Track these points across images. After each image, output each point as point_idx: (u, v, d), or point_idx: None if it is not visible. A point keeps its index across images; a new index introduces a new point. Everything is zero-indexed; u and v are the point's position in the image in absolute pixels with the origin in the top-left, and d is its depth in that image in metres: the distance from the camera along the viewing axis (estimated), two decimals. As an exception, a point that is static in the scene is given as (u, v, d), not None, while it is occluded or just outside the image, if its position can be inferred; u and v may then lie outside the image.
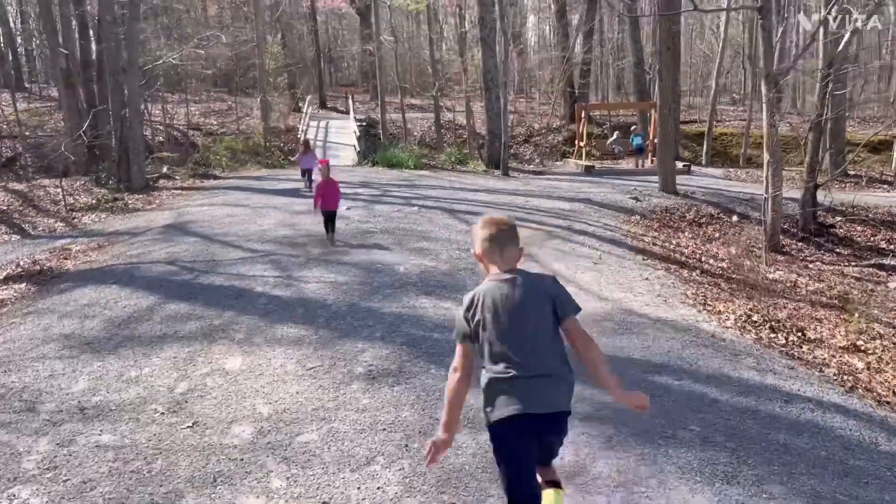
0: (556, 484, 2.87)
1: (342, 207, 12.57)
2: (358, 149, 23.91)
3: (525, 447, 2.57)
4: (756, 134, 29.10)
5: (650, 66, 25.27)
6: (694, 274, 9.31)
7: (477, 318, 2.63)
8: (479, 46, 20.76)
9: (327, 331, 5.96)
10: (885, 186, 20.05)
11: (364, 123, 31.92)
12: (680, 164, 20.06)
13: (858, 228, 14.31)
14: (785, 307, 8.17)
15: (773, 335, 6.69)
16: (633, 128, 22.37)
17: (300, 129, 27.36)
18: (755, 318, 7.17)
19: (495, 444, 2.62)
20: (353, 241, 9.82)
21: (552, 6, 32.46)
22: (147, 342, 5.82)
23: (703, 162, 24.36)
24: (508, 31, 19.60)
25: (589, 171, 19.69)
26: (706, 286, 8.72)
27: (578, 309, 2.72)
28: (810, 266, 12.00)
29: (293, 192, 15.25)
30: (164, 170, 20.38)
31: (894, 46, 41.70)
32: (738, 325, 6.83)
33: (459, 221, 11.41)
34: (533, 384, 2.52)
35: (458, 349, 2.66)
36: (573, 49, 27.34)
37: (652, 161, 21.28)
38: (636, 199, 14.52)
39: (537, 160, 25.79)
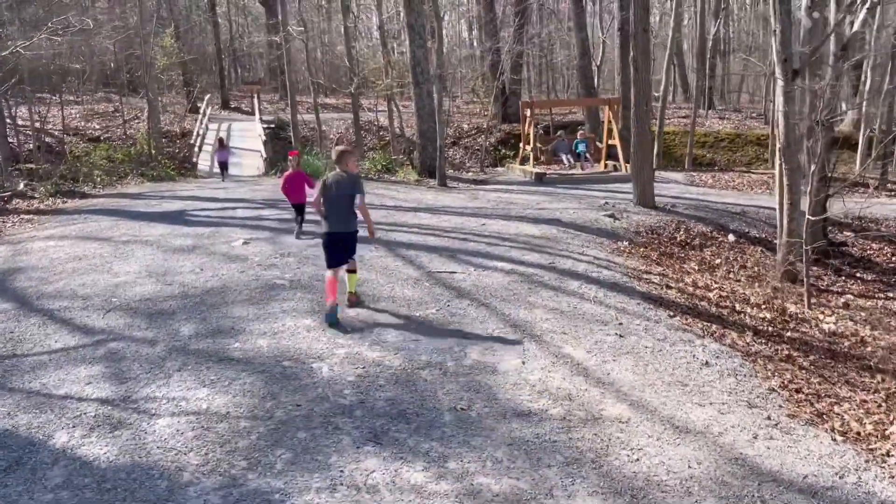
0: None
1: (237, 242, 9.26)
2: (264, 155, 20.27)
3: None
4: (699, 133, 27.29)
5: (598, 59, 22.79)
6: (748, 339, 6.51)
7: None
8: (406, 34, 17.59)
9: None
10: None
11: (272, 125, 28.23)
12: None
13: (874, 246, 12.02)
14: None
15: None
16: (580, 131, 19.67)
17: (195, 133, 23.41)
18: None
19: None
20: (250, 305, 6.50)
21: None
22: None
23: (654, 165, 21.99)
24: (441, 13, 16.51)
25: (540, 179, 16.87)
26: (779, 362, 5.92)
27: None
28: (840, 299, 9.50)
29: (176, 217, 11.69)
30: (21, 186, 16.26)
31: None
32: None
33: (404, 263, 8.24)
34: None
35: None
36: (506, 41, 24.49)
37: (605, 166, 18.70)
38: (612, 216, 11.75)
39: (475, 166, 22.84)
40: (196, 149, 22.33)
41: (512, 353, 5.30)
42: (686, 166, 23.42)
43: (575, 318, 6.32)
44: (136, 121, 29.97)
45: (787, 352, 6.34)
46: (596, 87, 21.91)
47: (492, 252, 8.83)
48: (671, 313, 6.96)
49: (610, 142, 18.53)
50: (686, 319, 6.86)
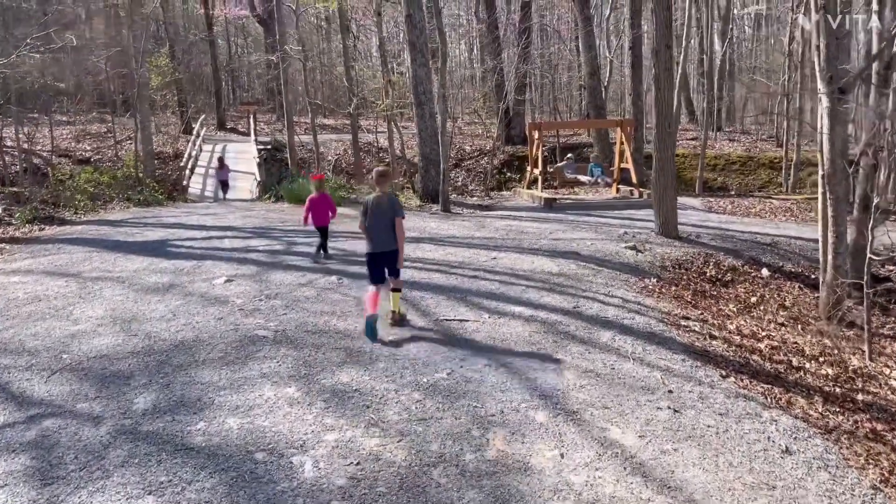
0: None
1: (219, 279, 8.23)
2: (259, 178, 19.28)
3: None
4: (710, 155, 26.30)
5: (605, 79, 21.88)
6: (819, 407, 5.43)
7: None
8: (407, 52, 16.67)
9: None
10: None
11: (269, 147, 27.34)
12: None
13: (922, 282, 10.97)
14: None
15: None
16: (592, 154, 18.65)
17: (186, 155, 22.44)
18: None
19: None
20: (224, 366, 5.43)
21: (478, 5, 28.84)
22: None
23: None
24: (444, 30, 15.61)
25: (550, 204, 15.85)
26: (865, 441, 4.85)
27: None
28: None
29: (157, 248, 10.65)
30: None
31: None
32: None
33: (408, 307, 7.18)
34: None
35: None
36: (511, 60, 23.63)
37: (617, 190, 17.71)
38: (635, 248, 10.71)
39: (477, 189, 21.85)
40: (187, 171, 21.34)
41: (545, 438, 4.23)
42: (697, 190, 22.42)
43: (615, 384, 5.25)
44: (129, 142, 29.03)
45: (867, 423, 5.26)
46: (605, 107, 20.95)
47: (506, 293, 7.77)
48: (723, 372, 5.89)
49: (622, 165, 17.56)
50: (742, 381, 5.79)
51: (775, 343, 7.25)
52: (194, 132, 26.43)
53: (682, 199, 17.88)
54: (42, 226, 14.19)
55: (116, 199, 17.77)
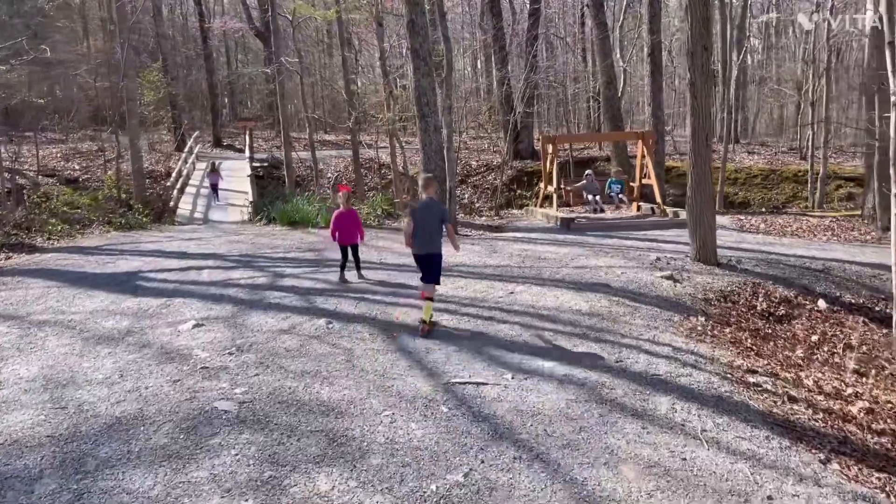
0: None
1: (187, 324, 6.88)
2: (251, 198, 17.96)
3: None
4: (729, 168, 24.87)
5: (621, 89, 20.53)
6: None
7: None
8: (409, 61, 15.39)
9: None
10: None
11: (266, 163, 26.10)
12: (681, 213, 15.19)
13: None
14: None
15: None
16: (613, 170, 17.29)
17: (176, 173, 21.17)
18: None
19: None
20: (164, 462, 4.05)
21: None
22: None
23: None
24: (450, 36, 14.32)
25: (567, 225, 14.47)
26: None
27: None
28: None
29: (125, 281, 9.33)
30: (-34, 237, 14.03)
31: None
32: None
33: (409, 363, 5.80)
34: None
35: None
36: (521, 70, 22.34)
37: (638, 208, 16.33)
38: (671, 278, 9.32)
39: (484, 206, 20.50)
40: (175, 192, 20.03)
41: None
42: (718, 206, 21.03)
43: (693, 487, 3.85)
44: (121, 160, 27.89)
45: None
46: (622, 118, 19.63)
47: (531, 342, 6.39)
48: (822, 456, 4.50)
49: (644, 181, 16.20)
50: (849, 467, 4.40)
51: (867, 404, 5.84)
52: (186, 148, 25.19)
53: (708, 217, 16.48)
54: (10, 254, 12.90)
55: (97, 223, 16.49)
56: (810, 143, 24.23)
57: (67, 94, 33.29)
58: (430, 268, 6.72)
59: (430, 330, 6.54)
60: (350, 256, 9.13)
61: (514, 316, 7.27)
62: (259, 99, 45.40)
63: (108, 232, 15.60)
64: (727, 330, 7.46)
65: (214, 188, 22.08)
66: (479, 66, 42.86)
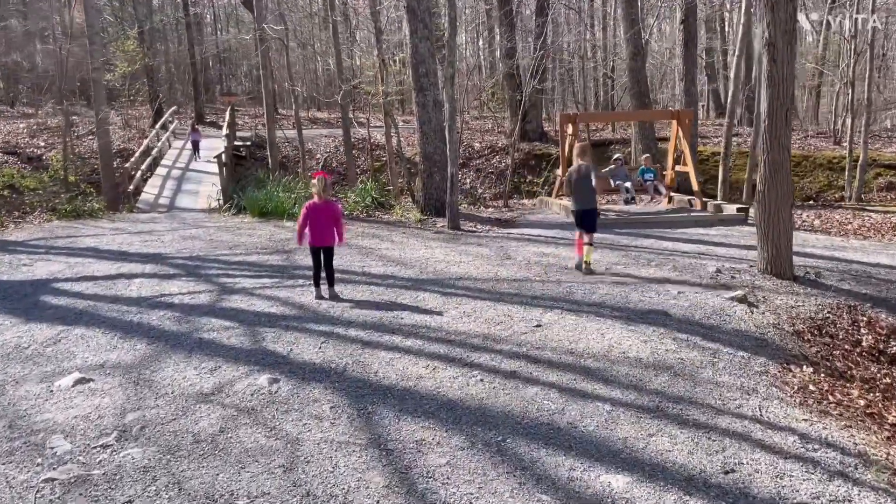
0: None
1: (68, 378, 4.61)
2: (218, 185, 15.60)
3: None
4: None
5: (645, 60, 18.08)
6: None
7: None
8: (406, 21, 12.97)
9: None
10: None
11: (249, 143, 23.73)
12: (732, 208, 12.90)
13: None
14: None
15: None
16: (643, 156, 14.89)
17: (140, 152, 18.74)
18: None
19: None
20: None
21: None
22: None
23: (719, 197, 17.12)
24: (455, -7, 11.89)
25: (591, 220, 12.14)
26: None
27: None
28: None
29: (28, 295, 7.07)
30: None
31: None
32: None
33: (391, 473, 3.55)
34: None
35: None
36: (528, 43, 19.88)
37: (670, 200, 13.99)
38: (744, 300, 7.05)
39: (488, 193, 18.16)
40: (137, 173, 17.62)
41: None
42: (744, 196, 18.68)
43: None
44: (90, 136, 25.49)
45: None
46: (648, 95, 17.23)
47: (579, 426, 4.12)
48: None
49: (679, 168, 13.87)
50: None
51: None
52: (159, 124, 22.78)
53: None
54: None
55: (39, 210, 14.17)
56: (849, 128, 21.87)
57: (45, 65, 30.90)
58: (589, 221, 7.99)
59: (589, 270, 7.91)
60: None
61: (548, 371, 5.00)
62: (249, 74, 42.83)
63: (50, 220, 13.29)
64: (853, 391, 5.20)
65: (196, 146, 22.72)
66: (480, 44, 40.32)
